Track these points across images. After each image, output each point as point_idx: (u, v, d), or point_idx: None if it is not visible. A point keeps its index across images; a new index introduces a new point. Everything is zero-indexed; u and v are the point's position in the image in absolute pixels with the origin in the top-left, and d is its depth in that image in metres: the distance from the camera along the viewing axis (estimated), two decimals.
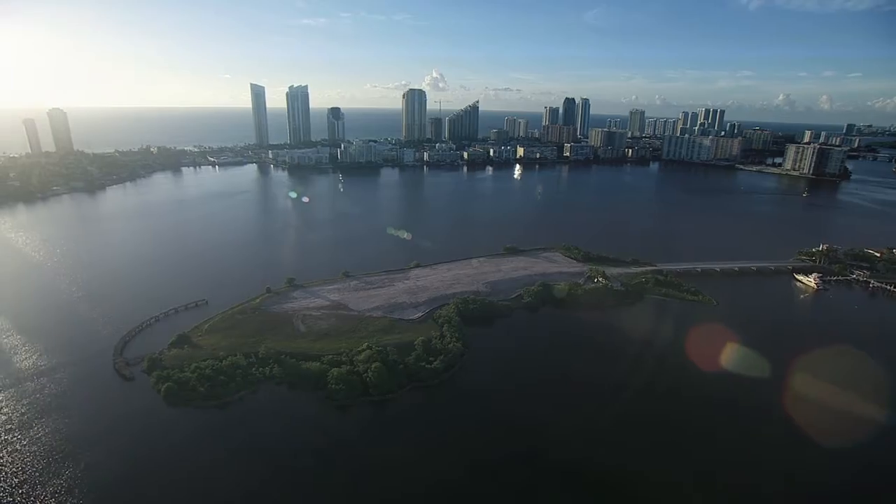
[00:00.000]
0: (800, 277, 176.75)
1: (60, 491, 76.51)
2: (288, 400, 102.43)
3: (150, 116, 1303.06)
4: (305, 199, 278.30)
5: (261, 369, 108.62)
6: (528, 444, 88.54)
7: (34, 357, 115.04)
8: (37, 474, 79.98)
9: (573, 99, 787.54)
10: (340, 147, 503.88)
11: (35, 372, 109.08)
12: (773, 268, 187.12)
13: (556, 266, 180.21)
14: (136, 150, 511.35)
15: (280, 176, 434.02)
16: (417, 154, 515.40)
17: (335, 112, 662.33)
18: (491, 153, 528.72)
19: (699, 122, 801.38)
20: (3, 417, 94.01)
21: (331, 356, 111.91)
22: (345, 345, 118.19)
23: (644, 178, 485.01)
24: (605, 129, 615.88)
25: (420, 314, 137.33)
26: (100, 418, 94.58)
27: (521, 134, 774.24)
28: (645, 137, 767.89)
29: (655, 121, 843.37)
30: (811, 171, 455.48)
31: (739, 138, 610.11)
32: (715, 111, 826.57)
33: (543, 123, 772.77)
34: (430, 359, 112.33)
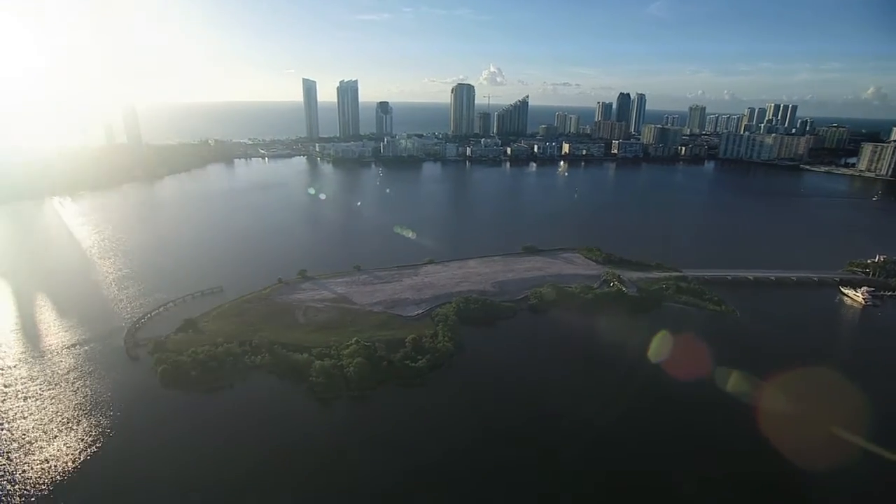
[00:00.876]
0: (846, 291, 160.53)
1: (52, 448, 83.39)
2: (273, 390, 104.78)
3: (218, 111, 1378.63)
4: (322, 196, 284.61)
5: (252, 358, 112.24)
6: (494, 457, 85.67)
7: (61, 332, 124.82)
8: (39, 434, 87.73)
9: (628, 94, 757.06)
10: (384, 141, 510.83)
11: (59, 346, 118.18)
12: (816, 279, 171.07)
13: (572, 268, 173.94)
14: (197, 142, 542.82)
15: (321, 169, 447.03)
16: (460, 149, 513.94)
17: (383, 106, 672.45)
18: (535, 149, 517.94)
19: (767, 118, 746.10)
20: (18, 388, 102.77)
21: (320, 349, 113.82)
22: (337, 338, 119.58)
23: (695, 177, 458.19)
24: (659, 126, 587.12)
25: (420, 311, 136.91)
26: (99, 392, 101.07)
27: (572, 130, 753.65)
28: (704, 135, 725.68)
29: (717, 117, 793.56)
30: (889, 173, 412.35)
31: (808, 136, 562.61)
32: (786, 107, 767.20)
33: (596, 119, 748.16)
34: (418, 357, 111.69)
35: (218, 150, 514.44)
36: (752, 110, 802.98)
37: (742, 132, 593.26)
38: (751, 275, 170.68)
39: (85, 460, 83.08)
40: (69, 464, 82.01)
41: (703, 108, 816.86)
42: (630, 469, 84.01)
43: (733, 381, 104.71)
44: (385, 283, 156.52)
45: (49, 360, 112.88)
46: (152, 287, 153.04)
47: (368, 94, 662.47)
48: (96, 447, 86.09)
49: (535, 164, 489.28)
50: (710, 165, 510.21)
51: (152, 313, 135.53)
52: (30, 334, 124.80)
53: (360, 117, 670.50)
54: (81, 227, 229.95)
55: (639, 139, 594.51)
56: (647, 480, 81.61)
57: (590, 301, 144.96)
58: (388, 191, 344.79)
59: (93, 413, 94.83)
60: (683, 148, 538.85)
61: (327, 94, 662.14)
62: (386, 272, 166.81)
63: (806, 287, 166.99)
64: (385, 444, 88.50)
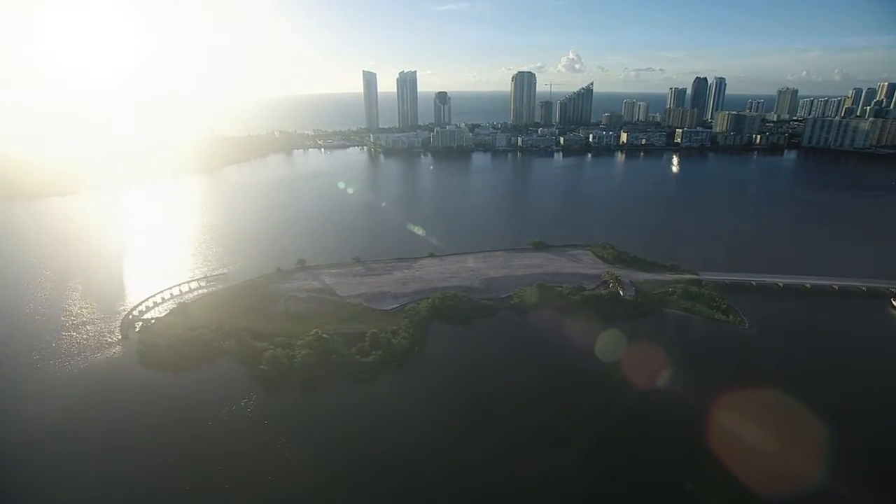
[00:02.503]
0: None
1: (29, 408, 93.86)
2: (229, 375, 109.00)
3: (296, 104, 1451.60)
4: (350, 191, 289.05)
5: (220, 343, 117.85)
6: (405, 473, 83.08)
7: (80, 310, 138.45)
8: (28, 397, 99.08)
9: (705, 79, 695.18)
10: (433, 131, 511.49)
11: (71, 324, 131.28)
12: (864, 288, 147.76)
13: (575, 266, 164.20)
14: (264, 134, 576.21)
15: (370, 159, 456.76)
16: (512, 139, 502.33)
17: (441, 96, 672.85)
18: (590, 139, 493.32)
19: (876, 99, 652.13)
20: (24, 361, 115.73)
21: (282, 338, 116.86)
22: (305, 328, 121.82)
23: (765, 169, 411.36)
24: (734, 112, 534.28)
25: (395, 306, 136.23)
26: (84, 367, 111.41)
27: (640, 118, 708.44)
28: (795, 121, 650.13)
29: (812, 100, 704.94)
30: None
31: None
32: None
33: (667, 106, 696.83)
34: (372, 352, 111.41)
35: (281, 141, 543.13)
36: (857, 91, 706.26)
37: (836, 116, 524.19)
38: (781, 280, 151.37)
39: (48, 424, 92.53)
40: (30, 425, 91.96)
41: (795, 91, 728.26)
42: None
43: (687, 401, 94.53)
44: (375, 276, 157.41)
45: (56, 333, 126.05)
46: (167, 270, 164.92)
47: (441, 85, 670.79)
48: (59, 413, 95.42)
49: (589, 155, 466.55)
50: (790, 155, 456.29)
51: (157, 296, 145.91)
52: (55, 312, 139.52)
53: (419, 108, 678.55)
54: (130, 214, 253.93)
55: (710, 127, 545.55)
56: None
57: (577, 303, 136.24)
58: (427, 183, 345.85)
59: (66, 384, 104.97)
60: (759, 136, 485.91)
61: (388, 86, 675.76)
62: (382, 265, 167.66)
63: (847, 297, 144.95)
64: (303, 439, 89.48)
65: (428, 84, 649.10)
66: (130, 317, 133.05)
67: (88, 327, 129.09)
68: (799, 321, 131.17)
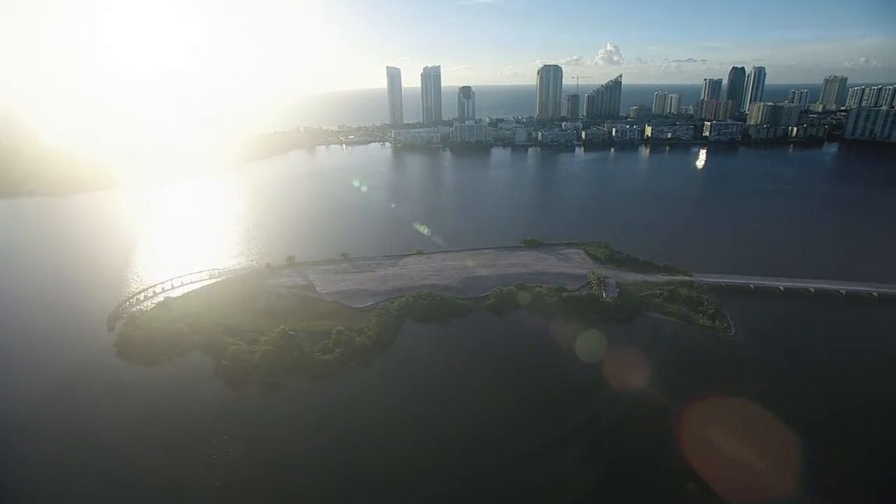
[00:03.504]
0: None
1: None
2: (196, 369, 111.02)
3: (327, 100, 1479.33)
4: (364, 189, 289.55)
5: (195, 338, 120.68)
6: (342, 472, 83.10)
7: (78, 301, 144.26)
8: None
9: (742, 68, 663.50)
10: (452, 127, 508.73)
11: (66, 315, 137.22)
12: (875, 294, 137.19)
13: (563, 265, 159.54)
14: (289, 130, 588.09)
15: (388, 155, 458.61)
16: (533, 134, 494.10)
17: (465, 91, 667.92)
18: (613, 133, 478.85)
19: None
20: (22, 346, 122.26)
21: (252, 333, 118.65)
22: (277, 325, 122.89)
23: (800, 162, 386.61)
24: (770, 104, 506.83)
25: (370, 303, 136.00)
26: (64, 356, 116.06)
27: (672, 110, 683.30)
28: (841, 111, 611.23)
29: (863, 89, 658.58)
30: None
31: None
32: None
33: (701, 98, 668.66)
34: (336, 350, 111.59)
35: (304, 137, 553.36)
36: None
37: (884, 105, 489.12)
38: (783, 284, 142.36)
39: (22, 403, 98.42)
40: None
41: (843, 80, 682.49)
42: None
43: (647, 410, 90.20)
44: (359, 273, 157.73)
45: (50, 323, 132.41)
46: (167, 263, 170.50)
47: (477, 80, 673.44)
48: (29, 396, 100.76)
49: (612, 150, 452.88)
50: (830, 149, 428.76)
51: (149, 289, 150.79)
52: (56, 303, 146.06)
53: (445, 103, 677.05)
54: (144, 212, 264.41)
55: (745, 120, 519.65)
56: None
57: (554, 304, 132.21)
58: (437, 179, 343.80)
59: (41, 371, 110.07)
60: (795, 128, 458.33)
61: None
62: (368, 262, 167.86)
63: (854, 303, 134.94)
64: (252, 433, 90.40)
65: (462, 79, 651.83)
66: (120, 309, 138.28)
67: (83, 318, 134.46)
68: (792, 328, 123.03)
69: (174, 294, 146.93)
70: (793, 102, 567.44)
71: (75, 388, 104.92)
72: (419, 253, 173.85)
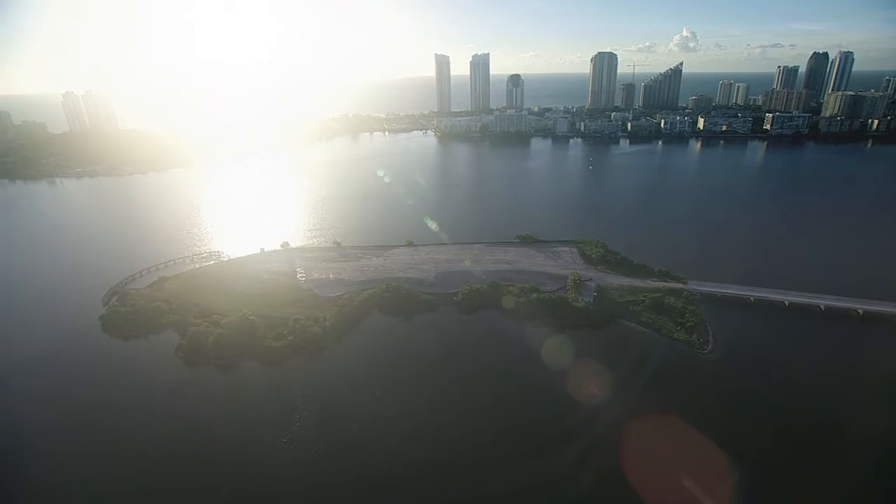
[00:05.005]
0: None
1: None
2: (165, 345, 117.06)
3: (396, 85, 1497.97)
4: (387, 180, 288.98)
5: (170, 317, 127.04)
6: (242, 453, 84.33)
7: (95, 276, 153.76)
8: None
9: (825, 54, 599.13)
10: (492, 116, 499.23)
11: (81, 287, 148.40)
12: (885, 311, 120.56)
13: (549, 264, 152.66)
14: (337, 117, 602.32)
15: (427, 143, 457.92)
16: (577, 124, 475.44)
17: (514, 79, 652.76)
18: (662, 125, 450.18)
19: None
20: (28, 314, 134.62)
21: (218, 316, 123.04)
22: (247, 309, 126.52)
23: (875, 160, 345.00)
24: (851, 93, 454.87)
25: (339, 293, 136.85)
26: (57, 325, 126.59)
27: (738, 101, 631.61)
28: None
29: None
30: None
31: None
32: None
33: (773, 87, 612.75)
34: (287, 338, 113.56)
35: (351, 123, 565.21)
36: None
37: None
38: (788, 299, 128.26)
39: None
40: None
41: None
42: None
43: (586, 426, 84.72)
44: (343, 262, 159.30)
45: (55, 296, 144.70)
46: (174, 244, 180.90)
47: (544, 67, 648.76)
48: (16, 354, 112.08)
49: (660, 143, 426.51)
50: None
51: (151, 268, 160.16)
52: (77, 277, 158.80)
53: (492, 91, 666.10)
54: (190, 191, 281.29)
55: (819, 111, 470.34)
56: None
57: (522, 305, 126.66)
58: (465, 169, 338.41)
59: (35, 336, 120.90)
60: (877, 121, 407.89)
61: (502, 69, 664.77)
62: (357, 251, 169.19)
63: (869, 324, 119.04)
64: (180, 412, 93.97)
65: (530, 67, 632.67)
66: (118, 286, 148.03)
67: (87, 292, 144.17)
68: (779, 348, 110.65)
69: (168, 274, 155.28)
70: (877, 92, 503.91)
71: (58, 354, 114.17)
72: (409, 244, 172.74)
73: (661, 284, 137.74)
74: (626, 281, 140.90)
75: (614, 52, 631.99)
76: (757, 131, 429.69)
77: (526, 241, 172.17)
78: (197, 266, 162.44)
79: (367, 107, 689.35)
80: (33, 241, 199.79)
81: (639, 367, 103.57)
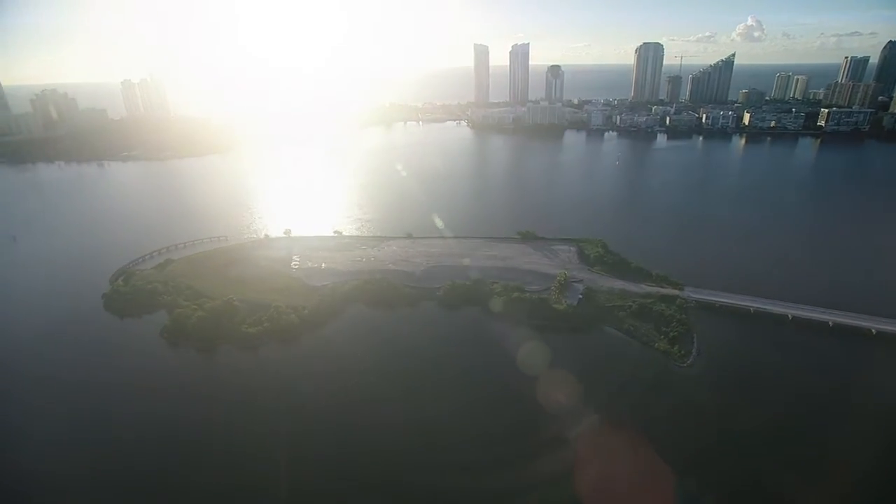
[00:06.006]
0: None
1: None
2: (153, 329, 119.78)
3: (444, 75, 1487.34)
4: (404, 173, 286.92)
5: (163, 298, 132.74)
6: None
7: (105, 256, 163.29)
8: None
9: None
10: (524, 108, 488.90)
11: (94, 267, 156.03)
12: (874, 331, 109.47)
13: (543, 262, 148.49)
14: (376, 107, 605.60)
15: (458, 135, 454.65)
16: (613, 117, 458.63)
17: (553, 70, 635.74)
18: (703, 120, 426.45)
19: None
20: (38, 293, 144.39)
21: (206, 300, 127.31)
22: (234, 294, 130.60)
23: None
24: None
25: (327, 283, 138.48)
26: (63, 304, 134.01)
27: (796, 95, 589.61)
28: None
29: None
30: None
31: None
32: None
33: (838, 79, 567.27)
34: (264, 324, 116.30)
35: (386, 113, 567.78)
36: None
37: None
38: (794, 312, 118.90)
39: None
40: None
41: None
42: None
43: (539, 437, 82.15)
44: (338, 252, 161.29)
45: (72, 272, 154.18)
46: (187, 227, 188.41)
47: (597, 57, 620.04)
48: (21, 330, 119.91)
49: (700, 139, 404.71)
50: None
51: (161, 250, 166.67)
52: (94, 258, 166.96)
53: (532, 82, 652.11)
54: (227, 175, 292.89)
55: (887, 106, 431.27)
56: None
57: (503, 304, 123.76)
58: (487, 162, 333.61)
59: (37, 316, 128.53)
60: None
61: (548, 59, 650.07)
62: (355, 241, 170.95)
63: (882, 345, 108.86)
64: (149, 391, 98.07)
65: (582, 57, 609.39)
66: (125, 267, 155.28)
67: (98, 272, 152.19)
68: (771, 365, 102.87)
69: (176, 256, 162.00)
70: None
71: (56, 329, 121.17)
72: (408, 237, 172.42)
73: (654, 289, 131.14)
74: (618, 284, 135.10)
75: (664, 41, 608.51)
76: (810, 128, 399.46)
77: (526, 237, 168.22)
78: (201, 250, 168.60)
79: (408, 96, 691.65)
80: (65, 220, 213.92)
81: (604, 379, 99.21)
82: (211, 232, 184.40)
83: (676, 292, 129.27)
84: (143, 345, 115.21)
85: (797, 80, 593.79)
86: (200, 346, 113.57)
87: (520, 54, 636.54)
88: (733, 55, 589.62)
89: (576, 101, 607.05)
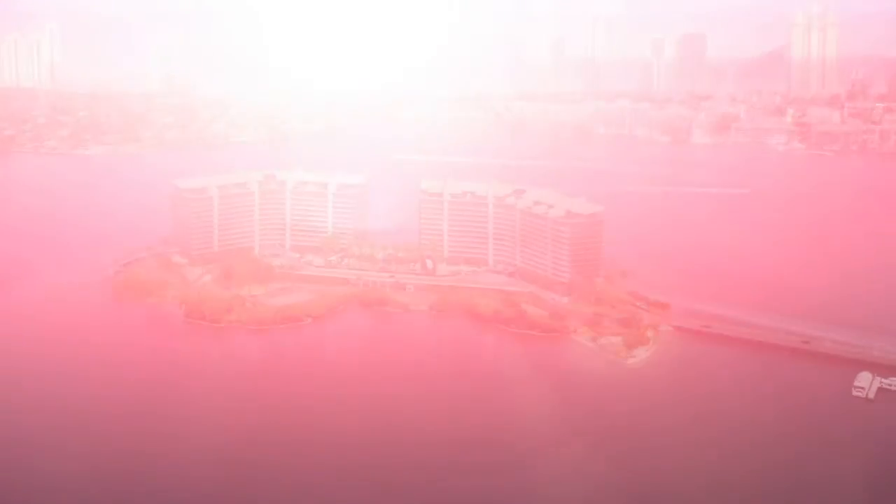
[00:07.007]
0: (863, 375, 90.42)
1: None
2: (152, 313, 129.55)
3: None
4: None
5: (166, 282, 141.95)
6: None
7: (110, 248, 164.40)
8: None
9: None
10: None
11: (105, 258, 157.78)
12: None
13: None
14: None
15: None
16: None
17: None
18: None
19: None
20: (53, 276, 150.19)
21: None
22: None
23: None
24: None
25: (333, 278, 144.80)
26: (68, 291, 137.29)
27: None
28: None
29: None
30: None
31: None
32: None
33: None
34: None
35: None
36: None
37: None
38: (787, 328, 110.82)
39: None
40: None
41: None
42: None
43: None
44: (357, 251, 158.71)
45: (92, 255, 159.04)
46: None
47: None
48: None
49: None
50: None
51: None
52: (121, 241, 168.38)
53: None
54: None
55: None
56: None
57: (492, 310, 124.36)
58: None
59: (47, 302, 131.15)
60: None
61: None
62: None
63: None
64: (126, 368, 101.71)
65: None
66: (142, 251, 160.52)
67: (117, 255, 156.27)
68: (738, 388, 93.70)
69: None
70: None
71: (57, 319, 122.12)
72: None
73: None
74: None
75: None
76: None
77: None
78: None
79: None
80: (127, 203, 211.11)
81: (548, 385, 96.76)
82: None
83: (663, 301, 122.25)
84: (158, 325, 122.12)
85: None
86: (213, 326, 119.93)
87: None
88: None
89: None
